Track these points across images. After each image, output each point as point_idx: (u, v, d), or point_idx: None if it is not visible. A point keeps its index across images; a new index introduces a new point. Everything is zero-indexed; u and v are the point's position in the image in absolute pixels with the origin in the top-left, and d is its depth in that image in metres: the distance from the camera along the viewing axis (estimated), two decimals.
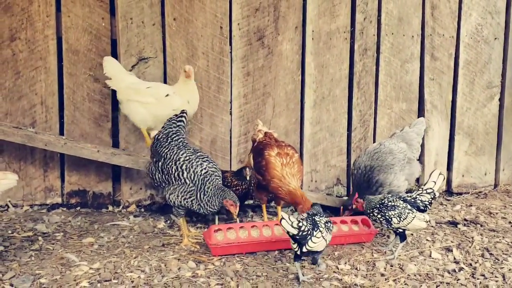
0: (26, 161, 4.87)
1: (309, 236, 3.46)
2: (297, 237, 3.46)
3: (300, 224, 3.47)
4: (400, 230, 4.08)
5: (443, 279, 3.77)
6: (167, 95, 4.53)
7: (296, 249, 3.52)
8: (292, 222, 3.45)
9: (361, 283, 3.66)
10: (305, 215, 3.61)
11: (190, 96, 4.59)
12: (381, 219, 4.08)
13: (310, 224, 3.51)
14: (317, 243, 3.48)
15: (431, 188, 4.20)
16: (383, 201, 4.11)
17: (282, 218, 3.45)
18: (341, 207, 4.70)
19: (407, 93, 5.52)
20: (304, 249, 3.48)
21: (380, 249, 4.21)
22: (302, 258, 3.63)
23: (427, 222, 4.06)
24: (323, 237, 3.51)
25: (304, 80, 5.24)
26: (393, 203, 4.07)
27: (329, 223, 3.65)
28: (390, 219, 4.02)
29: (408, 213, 4.01)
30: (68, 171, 4.95)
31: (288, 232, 3.48)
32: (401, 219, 4.00)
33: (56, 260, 3.85)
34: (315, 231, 3.49)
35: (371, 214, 4.15)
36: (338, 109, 5.37)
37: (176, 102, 4.52)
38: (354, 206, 4.36)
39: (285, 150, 4.46)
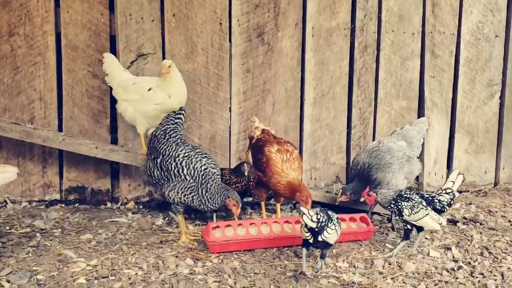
0: (24, 157, 4.86)
1: (326, 227, 3.54)
2: (316, 229, 3.53)
3: (318, 216, 3.54)
4: (408, 226, 4.06)
5: (441, 277, 3.75)
6: (149, 89, 4.46)
7: (309, 238, 3.57)
8: (312, 216, 3.52)
9: (359, 281, 3.64)
10: (318, 209, 3.67)
11: (172, 90, 4.43)
12: (395, 210, 4.10)
13: (325, 215, 3.59)
14: (331, 234, 3.56)
15: (449, 188, 4.13)
16: (400, 193, 4.12)
17: (303, 213, 3.51)
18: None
19: (407, 91, 5.49)
20: (320, 238, 3.55)
21: (378, 247, 4.21)
22: (311, 247, 3.70)
23: (440, 224, 4.02)
24: (335, 230, 3.60)
25: (304, 77, 5.22)
26: (408, 196, 4.08)
27: (338, 219, 3.74)
28: (401, 210, 4.03)
29: (421, 208, 4.00)
30: (67, 168, 4.94)
31: (306, 225, 3.53)
32: (413, 212, 3.99)
33: (53, 257, 3.84)
34: (330, 223, 3.58)
35: (388, 207, 4.16)
36: (338, 107, 5.35)
37: (158, 97, 4.42)
38: (362, 199, 4.31)
39: (285, 147, 4.45)
